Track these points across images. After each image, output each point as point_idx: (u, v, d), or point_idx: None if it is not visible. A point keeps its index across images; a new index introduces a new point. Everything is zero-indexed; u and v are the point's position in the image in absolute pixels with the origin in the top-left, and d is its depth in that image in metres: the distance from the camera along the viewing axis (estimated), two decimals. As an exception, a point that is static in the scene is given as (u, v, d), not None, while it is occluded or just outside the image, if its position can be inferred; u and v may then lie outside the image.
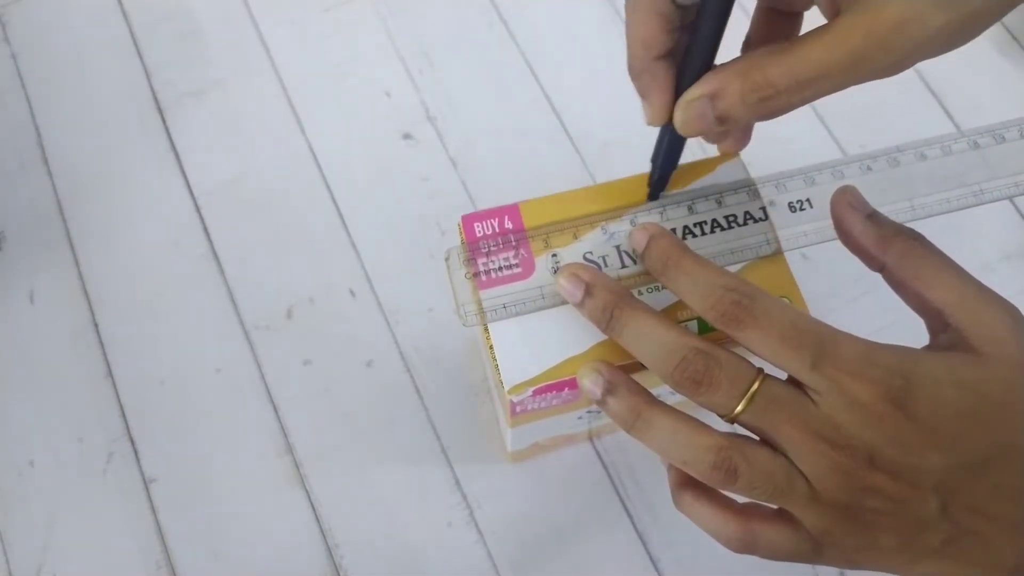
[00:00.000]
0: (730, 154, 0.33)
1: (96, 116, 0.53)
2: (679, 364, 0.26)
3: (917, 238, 0.28)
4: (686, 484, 0.29)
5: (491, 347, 0.30)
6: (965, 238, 0.49)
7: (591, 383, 0.29)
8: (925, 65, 0.54)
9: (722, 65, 0.27)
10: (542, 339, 0.30)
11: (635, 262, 0.31)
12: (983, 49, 0.54)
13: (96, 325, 0.48)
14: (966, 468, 0.25)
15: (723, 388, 0.26)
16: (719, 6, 0.26)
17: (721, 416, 0.27)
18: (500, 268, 0.31)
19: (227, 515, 0.44)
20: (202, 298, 0.48)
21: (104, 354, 0.47)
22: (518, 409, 0.32)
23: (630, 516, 0.44)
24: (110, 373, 0.47)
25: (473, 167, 0.51)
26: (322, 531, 0.44)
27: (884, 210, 0.30)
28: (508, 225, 0.32)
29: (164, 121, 0.52)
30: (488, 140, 0.52)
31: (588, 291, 0.29)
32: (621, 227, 0.32)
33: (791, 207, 0.31)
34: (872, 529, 0.26)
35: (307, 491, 0.45)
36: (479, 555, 0.43)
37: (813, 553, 0.27)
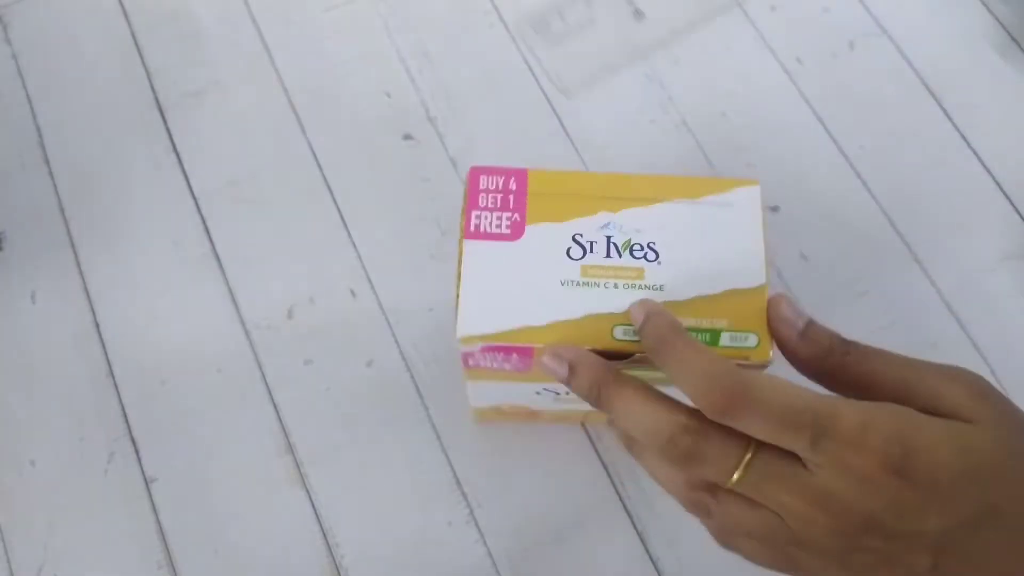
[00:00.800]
0: (751, 181, 0.33)
1: (97, 116, 0.53)
2: (668, 441, 0.26)
3: (849, 351, 0.28)
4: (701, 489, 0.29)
5: (458, 296, 0.31)
6: (965, 239, 0.49)
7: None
8: (923, 65, 0.54)
9: None
10: (507, 302, 0.31)
11: (620, 255, 0.31)
12: (982, 50, 0.54)
13: (97, 325, 0.48)
14: (961, 527, 0.25)
15: (714, 462, 0.26)
16: None
17: (722, 486, 0.27)
18: (492, 225, 0.32)
19: (228, 514, 0.44)
20: (203, 298, 0.48)
21: (105, 353, 0.47)
22: (470, 362, 0.33)
23: (630, 516, 0.44)
24: (111, 372, 0.47)
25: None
26: (323, 530, 0.44)
27: None
28: (512, 187, 0.32)
29: (165, 121, 0.53)
30: (488, 140, 0.52)
31: (572, 370, 0.29)
32: (617, 218, 0.32)
33: None
34: (859, 572, 0.26)
35: (308, 490, 0.45)
36: (479, 554, 0.43)
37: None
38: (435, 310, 0.48)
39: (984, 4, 0.56)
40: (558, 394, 0.37)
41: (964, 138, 0.52)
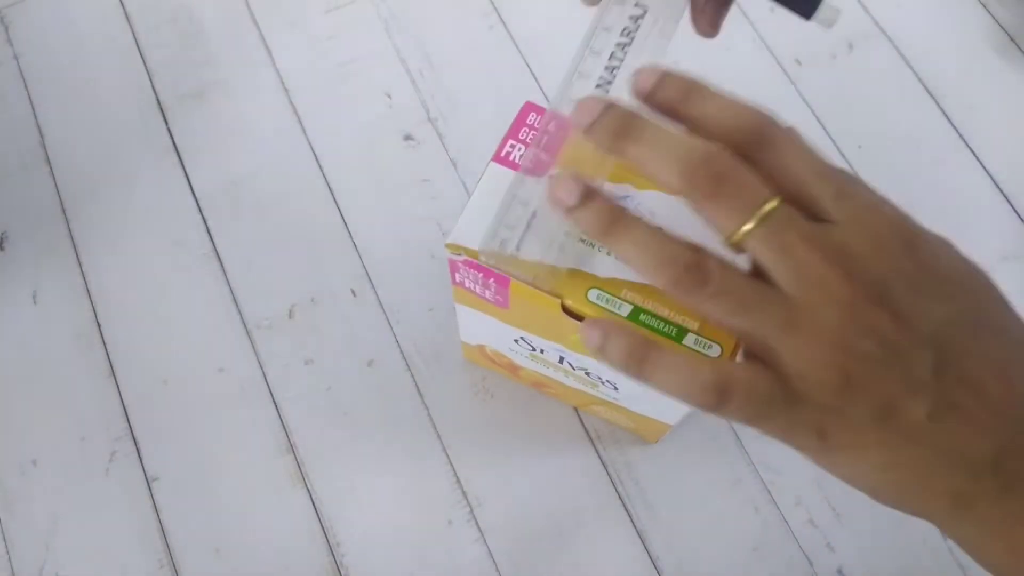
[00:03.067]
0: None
1: (99, 117, 0.53)
2: (704, 159, 0.25)
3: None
4: (649, 342, 0.26)
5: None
6: (963, 240, 0.49)
7: (566, 192, 0.26)
8: (922, 66, 0.54)
9: None
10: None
11: None
12: (980, 51, 0.55)
13: (99, 325, 0.48)
14: (961, 325, 0.25)
15: (744, 194, 0.25)
16: None
17: (727, 236, 0.25)
18: (522, 156, 0.33)
19: (229, 513, 0.44)
20: (204, 298, 0.48)
21: (107, 353, 0.47)
22: (456, 277, 0.33)
23: (630, 516, 0.44)
24: (113, 372, 0.47)
25: (474, 168, 0.51)
26: (323, 529, 0.44)
27: None
28: (553, 130, 0.33)
29: (166, 121, 0.53)
30: (488, 141, 0.52)
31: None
32: (638, 195, 0.32)
33: None
34: (854, 388, 0.24)
35: (308, 489, 0.45)
36: (479, 553, 0.44)
37: (785, 405, 0.25)
38: (435, 310, 0.48)
39: (983, 5, 0.56)
40: (534, 349, 0.37)
41: (963, 138, 0.52)
